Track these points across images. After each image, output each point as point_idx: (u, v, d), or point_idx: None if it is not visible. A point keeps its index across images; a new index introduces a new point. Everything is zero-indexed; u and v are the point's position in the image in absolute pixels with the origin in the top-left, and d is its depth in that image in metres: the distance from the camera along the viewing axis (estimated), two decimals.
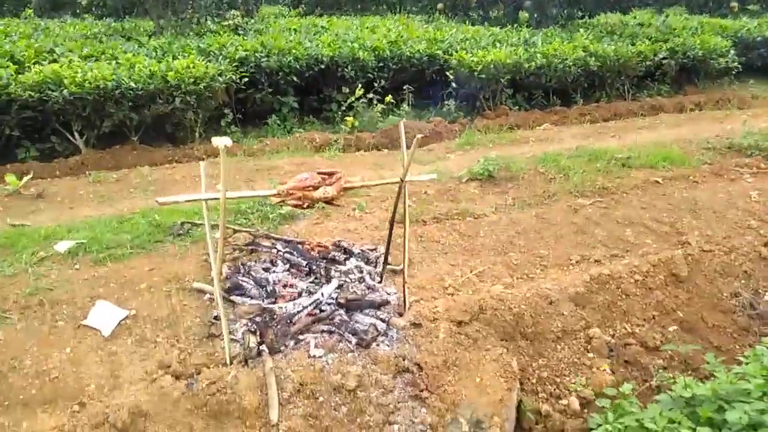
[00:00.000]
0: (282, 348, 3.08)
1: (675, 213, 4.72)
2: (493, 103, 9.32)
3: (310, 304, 3.26)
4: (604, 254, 4.14)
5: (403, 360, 3.15)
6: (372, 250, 3.99)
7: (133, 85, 6.81)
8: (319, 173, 3.15)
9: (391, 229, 3.52)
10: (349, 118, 8.28)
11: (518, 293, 3.55)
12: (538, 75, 9.32)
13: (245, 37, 9.90)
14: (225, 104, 8.05)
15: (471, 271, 3.91)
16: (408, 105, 9.02)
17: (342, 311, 3.26)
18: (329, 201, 3.19)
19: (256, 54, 8.44)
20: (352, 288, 3.52)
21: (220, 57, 8.38)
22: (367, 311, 3.32)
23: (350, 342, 3.10)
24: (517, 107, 9.44)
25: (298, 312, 3.22)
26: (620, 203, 4.91)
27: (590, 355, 3.41)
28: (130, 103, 6.83)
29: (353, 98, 8.45)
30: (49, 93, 6.46)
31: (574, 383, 3.28)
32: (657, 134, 7.06)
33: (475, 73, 8.74)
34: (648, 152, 6.03)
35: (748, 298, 3.88)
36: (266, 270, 3.62)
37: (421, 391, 3.09)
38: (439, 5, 15.54)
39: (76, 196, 5.21)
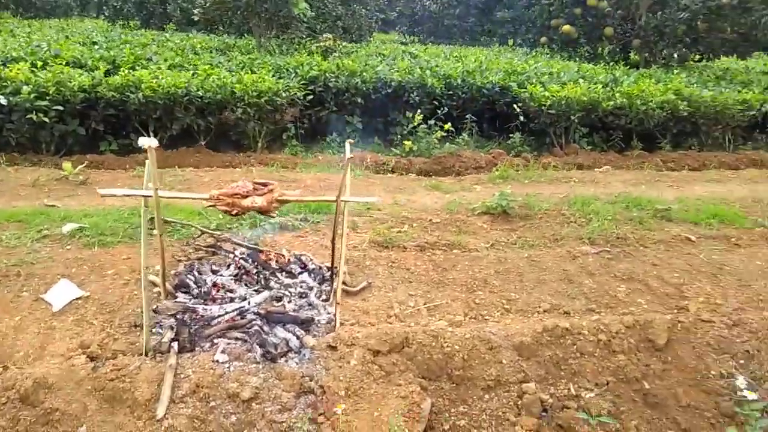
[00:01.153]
0: (196, 348, 3.16)
1: (689, 275, 4.17)
2: (564, 141, 8.88)
3: (234, 310, 3.32)
4: (580, 307, 3.76)
5: (310, 380, 3.09)
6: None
7: (200, 93, 7.40)
8: (254, 183, 3.22)
9: (333, 248, 3.48)
10: (407, 142, 8.34)
11: (457, 332, 3.33)
12: (617, 116, 8.76)
13: (327, 59, 10.35)
14: (294, 119, 8.44)
15: (424, 304, 3.74)
16: (470, 134, 8.86)
17: (261, 322, 3.26)
18: (264, 212, 3.24)
19: (327, 74, 8.78)
20: (291, 301, 3.53)
21: (293, 75, 8.84)
22: (289, 326, 3.29)
23: (257, 353, 3.10)
24: (590, 147, 8.91)
25: (220, 316, 3.28)
26: (630, 256, 4.43)
27: (518, 411, 3.10)
28: (197, 110, 7.45)
29: (414, 123, 8.49)
30: (129, 95, 7.20)
31: None
32: (725, 189, 6.30)
33: (544, 108, 8.42)
34: (698, 207, 5.41)
35: (743, 381, 3.31)
36: (214, 272, 3.74)
37: (320, 415, 3.00)
38: (543, 39, 15.13)
39: (113, 186, 5.71)
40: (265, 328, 3.25)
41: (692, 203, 5.53)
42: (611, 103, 8.62)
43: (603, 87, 9.21)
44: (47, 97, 6.82)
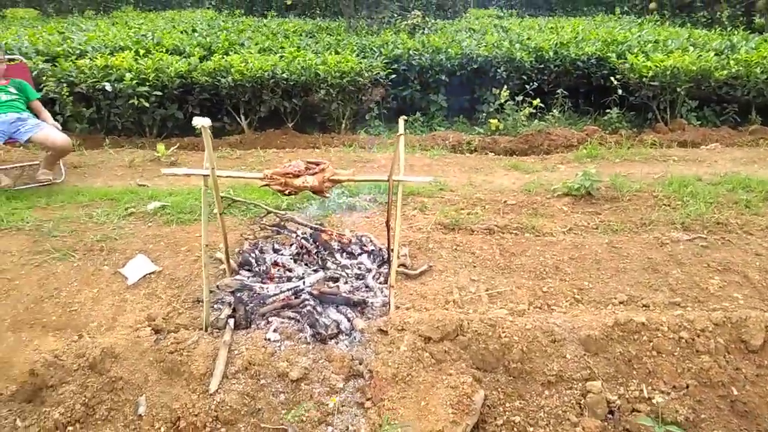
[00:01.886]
0: (252, 326, 3.21)
1: None
2: (670, 116, 8.10)
3: (289, 290, 3.33)
4: (663, 300, 3.38)
5: (359, 364, 3.03)
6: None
7: (285, 76, 7.54)
8: (306, 162, 3.18)
9: (388, 230, 3.38)
10: (493, 120, 8.01)
11: (518, 322, 3.12)
12: (733, 86, 7.84)
13: (414, 37, 10.16)
14: (381, 99, 8.41)
15: (486, 290, 3.54)
16: (561, 111, 8.34)
17: (314, 302, 3.24)
18: (316, 192, 3.20)
19: (410, 52, 8.62)
20: (348, 283, 3.49)
21: (377, 54, 8.77)
22: (342, 308, 3.25)
23: (308, 334, 3.09)
24: (700, 122, 8.06)
25: (275, 295, 3.30)
26: (729, 244, 3.92)
27: (581, 411, 2.85)
28: (283, 92, 7.61)
29: (502, 100, 8.12)
30: (220, 79, 7.50)
31: None
32: None
33: (645, 80, 7.71)
34: None
35: None
36: (276, 251, 3.77)
37: (368, 399, 2.94)
38: (652, 5, 13.88)
39: (199, 166, 5.97)
40: (318, 308, 3.23)
41: None
42: (725, 72, 7.72)
43: (716, 55, 8.26)
44: (147, 83, 7.25)
